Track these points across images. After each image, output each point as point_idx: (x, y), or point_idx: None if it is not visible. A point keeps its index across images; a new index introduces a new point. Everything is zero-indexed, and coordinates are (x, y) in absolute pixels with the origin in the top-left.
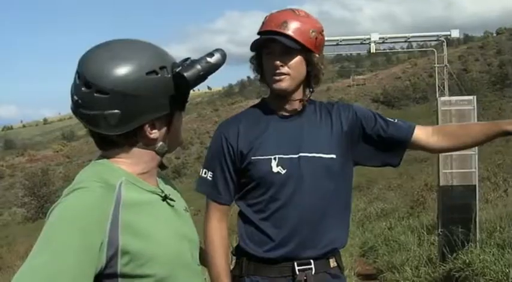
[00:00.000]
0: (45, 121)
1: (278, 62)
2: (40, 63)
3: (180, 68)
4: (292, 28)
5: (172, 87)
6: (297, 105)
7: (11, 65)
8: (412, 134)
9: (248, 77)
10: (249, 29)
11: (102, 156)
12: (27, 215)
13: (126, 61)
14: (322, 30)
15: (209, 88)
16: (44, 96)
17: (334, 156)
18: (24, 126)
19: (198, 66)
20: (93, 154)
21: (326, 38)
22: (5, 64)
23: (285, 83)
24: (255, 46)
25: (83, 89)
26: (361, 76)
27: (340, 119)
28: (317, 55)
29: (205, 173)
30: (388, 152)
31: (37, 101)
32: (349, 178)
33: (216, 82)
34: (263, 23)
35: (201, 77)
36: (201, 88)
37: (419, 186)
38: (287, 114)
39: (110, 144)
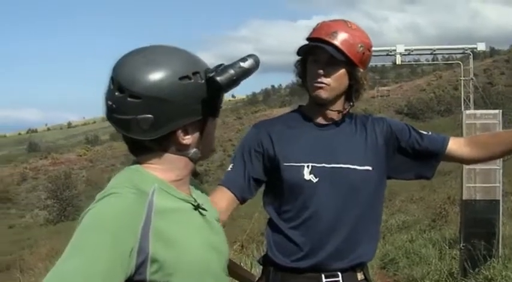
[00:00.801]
0: (70, 125)
1: (321, 71)
2: (66, 66)
3: (214, 73)
4: (341, 39)
5: (205, 93)
6: (334, 116)
7: (37, 68)
8: (447, 146)
9: (272, 86)
10: (273, 37)
11: (135, 162)
12: (49, 217)
13: (159, 66)
14: (371, 47)
15: (233, 96)
16: (68, 100)
17: (368, 168)
18: (48, 129)
19: (232, 71)
20: (116, 159)
21: None
22: (31, 66)
23: (324, 93)
24: (302, 51)
25: (116, 93)
26: (386, 87)
27: (375, 132)
28: (361, 70)
29: (229, 167)
30: (422, 165)
31: (62, 104)
32: (382, 191)
33: (240, 90)
34: (313, 29)
35: (234, 82)
36: (225, 96)
37: (441, 200)
38: (323, 123)
39: (142, 149)
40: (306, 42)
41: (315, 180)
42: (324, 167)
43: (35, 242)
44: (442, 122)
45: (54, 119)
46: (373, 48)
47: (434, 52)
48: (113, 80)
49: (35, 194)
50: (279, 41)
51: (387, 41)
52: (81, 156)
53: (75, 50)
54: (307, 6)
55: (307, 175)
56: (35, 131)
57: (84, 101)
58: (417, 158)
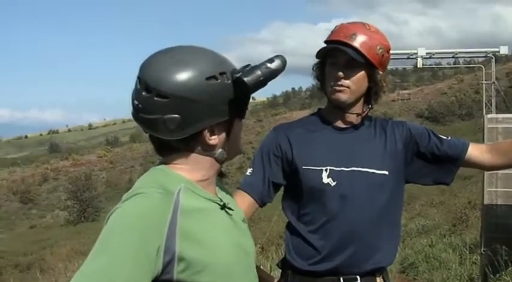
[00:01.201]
0: (90, 126)
1: (341, 73)
2: (87, 68)
3: (240, 73)
4: (360, 41)
5: (232, 93)
6: (353, 119)
7: (58, 69)
8: (466, 151)
9: (293, 88)
10: (293, 39)
11: (161, 162)
12: (69, 218)
13: (186, 66)
14: (389, 49)
15: (253, 98)
16: (89, 101)
17: (386, 172)
18: (69, 130)
19: (258, 72)
20: (136, 160)
21: None
22: (53, 68)
23: (344, 96)
24: (321, 54)
25: (143, 93)
26: (406, 91)
27: (395, 136)
28: (380, 72)
29: (248, 172)
30: (440, 170)
31: (83, 106)
32: (401, 196)
33: (260, 93)
34: (332, 31)
35: (261, 83)
36: None
37: (462, 204)
38: (342, 126)
39: (169, 149)
40: (325, 45)
41: (333, 183)
42: (342, 170)
43: (55, 242)
44: (463, 126)
45: (75, 120)
46: (394, 51)
47: (456, 55)
48: (139, 79)
49: (55, 195)
50: (299, 43)
51: (407, 44)
52: (101, 157)
53: (97, 51)
54: (327, 9)
55: (325, 178)
56: (56, 132)
57: (104, 103)
58: (436, 163)
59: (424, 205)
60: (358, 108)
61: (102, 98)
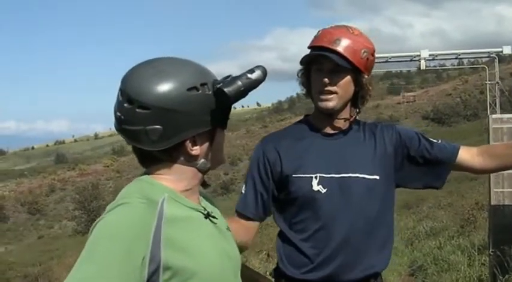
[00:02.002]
0: (96, 136)
1: (326, 80)
2: (92, 78)
3: (221, 84)
4: (344, 46)
5: (213, 104)
6: (341, 124)
7: (63, 80)
8: (457, 155)
9: (297, 94)
10: (297, 45)
11: (145, 173)
12: (77, 228)
13: (167, 77)
14: (374, 51)
15: (258, 105)
16: (95, 111)
17: (377, 177)
18: (75, 140)
19: (239, 82)
20: (142, 169)
21: (375, 55)
22: (58, 79)
23: (332, 102)
24: (305, 61)
25: (125, 105)
26: (411, 93)
27: (384, 140)
28: (366, 76)
29: (243, 189)
30: (431, 174)
31: (88, 116)
32: (392, 200)
33: (265, 99)
34: (315, 37)
35: (242, 93)
36: (250, 105)
37: (469, 205)
38: (331, 132)
39: (152, 160)
40: (308, 51)
41: (323, 191)
42: (332, 177)
43: (63, 253)
44: (468, 127)
45: (81, 130)
46: (397, 54)
47: (459, 56)
48: (121, 91)
49: (63, 205)
50: (303, 49)
51: (412, 46)
52: (108, 167)
53: (101, 60)
54: (331, 13)
55: (315, 186)
56: (62, 142)
57: (110, 112)
58: (427, 166)
59: (432, 207)
60: (345, 113)
61: (108, 108)
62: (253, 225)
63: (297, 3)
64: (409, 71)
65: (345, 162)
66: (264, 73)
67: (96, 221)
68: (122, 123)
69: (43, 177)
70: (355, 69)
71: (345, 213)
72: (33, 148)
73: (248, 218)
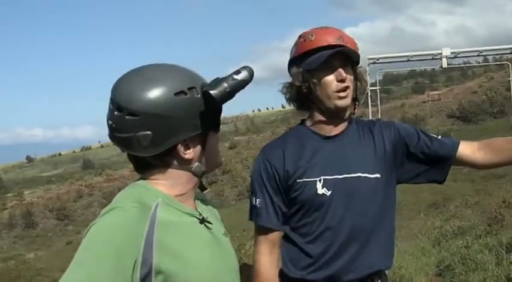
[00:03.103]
0: None
1: (345, 75)
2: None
3: (207, 86)
4: (349, 41)
5: (202, 107)
6: (342, 125)
7: (87, 86)
8: (457, 149)
9: None
10: None
11: (141, 178)
12: None
13: (154, 83)
14: None
15: (283, 107)
16: None
17: (378, 175)
18: (102, 146)
19: (225, 84)
20: None
21: (396, 54)
22: (82, 85)
23: (349, 98)
24: (320, 62)
25: (115, 113)
26: (436, 91)
27: (383, 138)
28: (360, 67)
29: (254, 201)
30: (432, 169)
31: None
32: (393, 197)
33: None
34: (308, 40)
35: (228, 94)
36: (275, 107)
37: (497, 204)
38: (331, 134)
39: (146, 166)
40: (302, 54)
41: (328, 193)
42: (336, 178)
43: None
44: (495, 124)
45: (106, 135)
46: (419, 53)
47: (481, 53)
48: (112, 100)
49: (90, 211)
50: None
51: (436, 45)
52: (133, 171)
53: (126, 65)
54: (353, 13)
55: (320, 189)
56: (89, 148)
57: None
58: (427, 162)
59: (459, 206)
60: (350, 108)
61: None
62: (278, 236)
63: (318, 3)
64: (433, 69)
65: (346, 162)
66: (251, 74)
67: (90, 225)
68: (114, 131)
69: (70, 183)
70: (358, 61)
71: (350, 213)
72: (60, 154)
73: (271, 231)
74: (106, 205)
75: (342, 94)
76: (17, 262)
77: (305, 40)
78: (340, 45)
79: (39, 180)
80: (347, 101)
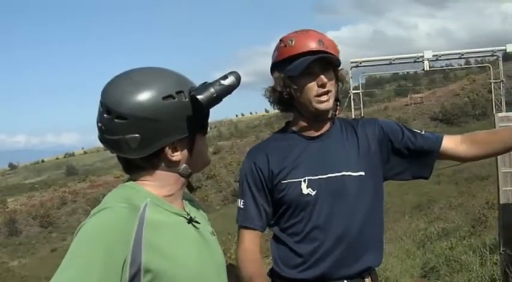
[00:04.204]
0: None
1: (326, 80)
2: (100, 89)
3: (195, 91)
4: (329, 45)
5: (190, 111)
6: (325, 126)
7: (72, 93)
8: (441, 144)
9: None
10: None
11: (130, 179)
12: None
13: (143, 87)
14: None
15: (266, 111)
16: None
17: (363, 173)
18: (85, 152)
19: (212, 89)
20: None
21: (379, 57)
22: (67, 92)
23: (330, 102)
24: (301, 68)
25: (104, 115)
26: (419, 94)
27: (367, 136)
28: (341, 69)
29: (240, 203)
30: (417, 165)
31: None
32: (380, 195)
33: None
34: (288, 46)
35: (215, 99)
36: (258, 111)
37: (480, 205)
38: (315, 135)
39: (135, 168)
40: (287, 59)
41: (313, 193)
42: (320, 178)
43: None
44: (478, 126)
45: (90, 142)
46: (402, 56)
47: (463, 56)
48: (101, 103)
49: (74, 217)
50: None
51: (418, 48)
52: (118, 177)
53: (108, 72)
54: (336, 17)
55: (305, 189)
56: (72, 154)
57: None
58: (412, 157)
59: (443, 208)
60: (332, 109)
61: None
62: (258, 235)
63: (301, 9)
64: (415, 72)
65: (330, 162)
66: (238, 79)
67: (79, 226)
68: (103, 133)
69: (54, 190)
70: (339, 64)
71: (337, 212)
72: (43, 161)
73: (253, 229)
74: (90, 211)
75: (322, 98)
76: (1, 270)
77: (285, 45)
78: (320, 51)
79: (22, 187)
80: (328, 104)
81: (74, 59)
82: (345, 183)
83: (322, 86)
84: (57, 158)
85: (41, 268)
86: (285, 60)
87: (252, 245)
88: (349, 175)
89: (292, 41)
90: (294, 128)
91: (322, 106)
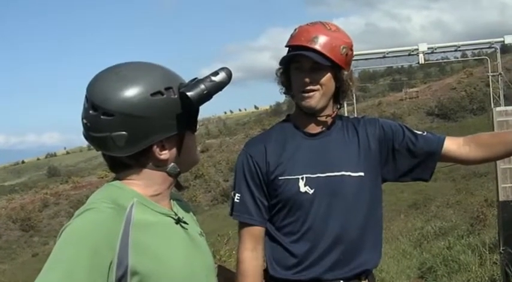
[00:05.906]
0: (89, 147)
1: (307, 79)
2: (82, 87)
3: (184, 88)
4: (322, 44)
5: (179, 108)
6: (324, 123)
7: (53, 92)
8: (442, 145)
9: None
10: None
11: (116, 178)
12: None
13: (130, 83)
14: (352, 46)
15: (256, 107)
16: None
17: (362, 173)
18: (67, 152)
19: (202, 86)
20: None
21: (372, 51)
22: (48, 91)
23: (314, 100)
24: (284, 61)
25: (90, 112)
26: (414, 89)
27: (367, 135)
28: (346, 72)
29: (235, 196)
30: (418, 166)
31: (80, 126)
32: (379, 195)
33: (263, 101)
34: (292, 36)
35: (206, 96)
36: (248, 108)
37: (479, 203)
38: (314, 132)
39: (121, 166)
40: (287, 50)
41: (310, 191)
42: (318, 177)
43: None
44: (475, 121)
45: (74, 141)
46: (395, 49)
47: (459, 48)
48: (87, 98)
49: (57, 220)
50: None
51: (412, 40)
52: (102, 178)
53: (90, 69)
54: (327, 9)
55: (302, 187)
56: (54, 155)
57: None
58: (413, 159)
59: (440, 206)
60: (328, 110)
61: None
62: (261, 232)
63: (292, 1)
64: (410, 65)
65: (329, 161)
66: (229, 75)
67: (63, 227)
68: (89, 131)
69: (35, 192)
70: (334, 65)
71: (334, 212)
72: (23, 162)
73: (254, 226)
74: (73, 214)
75: (305, 95)
76: None
77: (291, 35)
78: (309, 48)
79: (2, 189)
80: (311, 103)
81: (57, 55)
82: (344, 183)
83: (305, 83)
84: (38, 159)
85: (22, 274)
86: (288, 47)
87: (257, 251)
88: (349, 175)
89: (295, 31)
90: (295, 122)
91: (304, 102)
